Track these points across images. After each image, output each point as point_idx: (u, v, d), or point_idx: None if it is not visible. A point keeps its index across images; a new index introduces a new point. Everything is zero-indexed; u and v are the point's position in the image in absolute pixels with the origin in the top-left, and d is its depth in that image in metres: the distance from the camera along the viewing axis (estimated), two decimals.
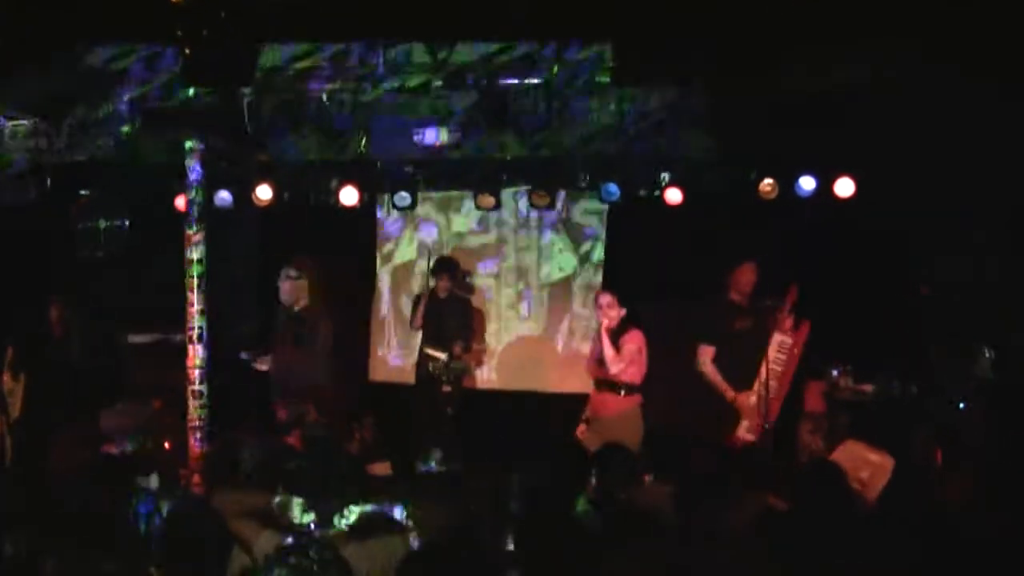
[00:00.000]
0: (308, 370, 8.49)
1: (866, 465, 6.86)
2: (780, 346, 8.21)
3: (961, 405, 8.18)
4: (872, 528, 5.17)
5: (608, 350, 7.77)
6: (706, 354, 8.29)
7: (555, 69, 8.00)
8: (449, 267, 9.64)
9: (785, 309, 8.22)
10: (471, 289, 10.28)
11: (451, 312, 9.54)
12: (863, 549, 4.79)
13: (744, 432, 8.10)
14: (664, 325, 9.53)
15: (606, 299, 7.94)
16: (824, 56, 7.46)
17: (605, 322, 7.86)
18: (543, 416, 9.47)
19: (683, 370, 9.41)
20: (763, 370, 8.04)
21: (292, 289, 8.70)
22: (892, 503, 6.65)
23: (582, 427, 8.03)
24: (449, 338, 9.40)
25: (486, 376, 10.15)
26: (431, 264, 9.59)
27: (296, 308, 8.72)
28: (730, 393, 8.18)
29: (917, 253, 8.76)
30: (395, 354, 10.56)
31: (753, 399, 8.10)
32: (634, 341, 7.84)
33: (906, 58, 7.15)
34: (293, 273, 8.71)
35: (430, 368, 9.37)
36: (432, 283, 9.50)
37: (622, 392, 7.87)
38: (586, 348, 8.92)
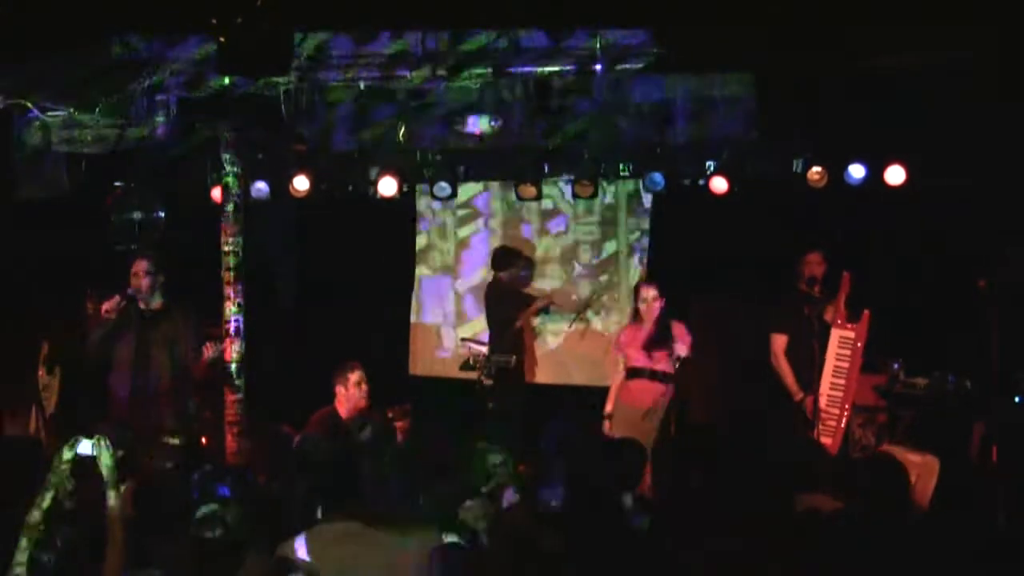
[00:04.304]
0: None
1: (911, 467, 6.57)
2: (842, 342, 7.85)
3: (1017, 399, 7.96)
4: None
5: (681, 345, 7.83)
6: (779, 344, 8.03)
7: (598, 56, 7.84)
8: (516, 256, 9.58)
9: (840, 301, 7.89)
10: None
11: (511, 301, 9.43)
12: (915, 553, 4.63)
13: (819, 435, 7.72)
14: (708, 317, 9.36)
15: (651, 292, 7.97)
16: (882, 40, 7.26)
17: (653, 315, 7.90)
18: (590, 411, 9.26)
19: (725, 363, 9.23)
20: (828, 369, 7.81)
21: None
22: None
23: (607, 424, 7.92)
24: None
25: (529, 370, 9.91)
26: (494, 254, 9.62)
27: None
28: (799, 395, 7.90)
29: (975, 245, 8.48)
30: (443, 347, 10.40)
31: (823, 400, 7.79)
32: (686, 336, 7.89)
33: (978, 43, 6.94)
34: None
35: (470, 362, 9.21)
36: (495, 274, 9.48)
37: (661, 381, 7.85)
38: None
